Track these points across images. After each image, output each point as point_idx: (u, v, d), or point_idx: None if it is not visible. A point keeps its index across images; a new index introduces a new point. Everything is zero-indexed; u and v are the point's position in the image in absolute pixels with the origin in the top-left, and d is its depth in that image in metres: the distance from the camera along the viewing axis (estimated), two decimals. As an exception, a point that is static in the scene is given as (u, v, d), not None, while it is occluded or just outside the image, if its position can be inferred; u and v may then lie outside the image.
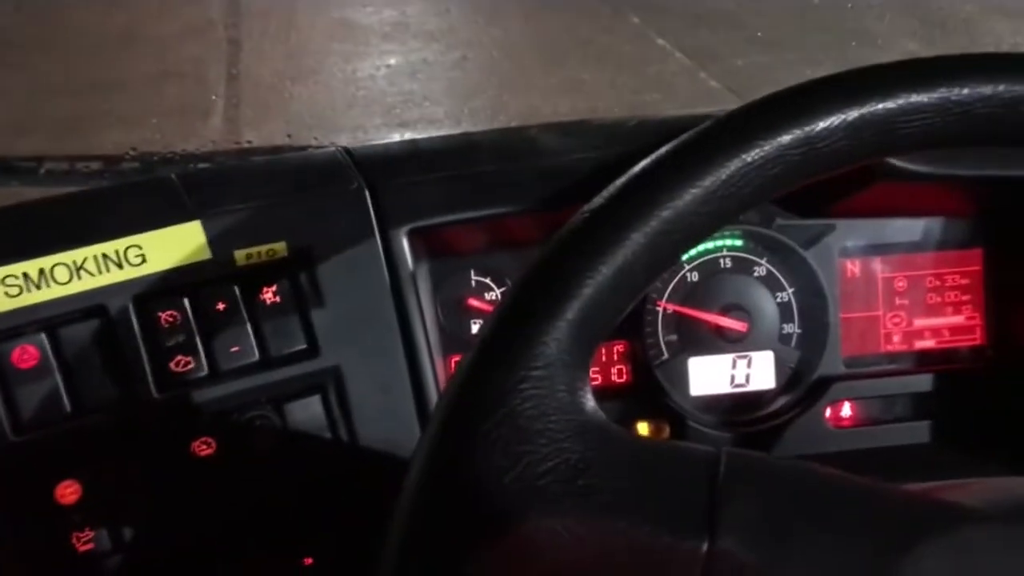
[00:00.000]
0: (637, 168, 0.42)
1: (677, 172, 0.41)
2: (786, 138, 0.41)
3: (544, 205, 0.63)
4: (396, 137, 3.17)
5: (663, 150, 0.42)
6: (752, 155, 0.41)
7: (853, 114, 0.41)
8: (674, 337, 0.70)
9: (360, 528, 0.59)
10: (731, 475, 0.36)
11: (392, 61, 3.78)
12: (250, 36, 4.03)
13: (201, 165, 0.85)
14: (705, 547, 0.34)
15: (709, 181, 0.41)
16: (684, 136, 0.43)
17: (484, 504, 0.35)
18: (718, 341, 0.70)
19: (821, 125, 0.41)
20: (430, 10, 4.43)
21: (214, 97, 3.56)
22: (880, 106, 0.41)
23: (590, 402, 0.38)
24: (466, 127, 3.19)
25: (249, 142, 0.85)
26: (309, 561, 0.59)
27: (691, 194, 0.41)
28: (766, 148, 0.41)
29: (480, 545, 0.35)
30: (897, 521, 0.35)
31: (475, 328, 0.71)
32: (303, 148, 0.85)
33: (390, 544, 0.36)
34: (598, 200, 0.41)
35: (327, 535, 0.59)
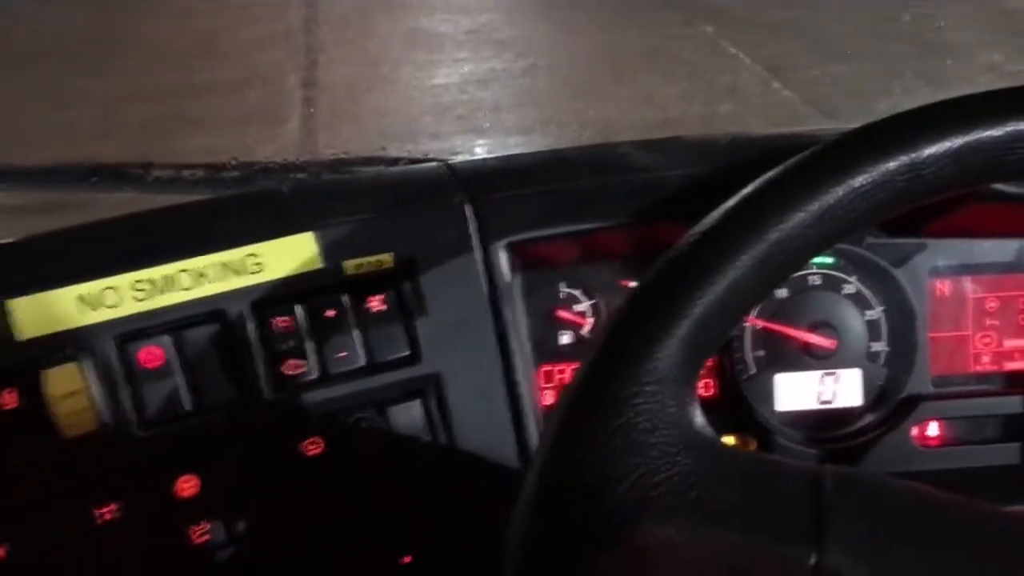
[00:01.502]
0: (746, 191, 0.43)
1: (786, 196, 0.42)
2: (892, 164, 0.42)
3: (637, 220, 0.65)
4: (469, 144, 3.22)
5: (772, 173, 0.44)
6: (859, 181, 0.42)
7: (959, 141, 0.42)
8: (762, 353, 0.71)
9: (456, 528, 0.62)
10: (837, 490, 0.37)
11: (465, 69, 3.83)
12: (327, 44, 4.13)
13: (299, 175, 0.88)
14: (813, 560, 0.36)
15: (816, 206, 0.42)
16: (793, 160, 0.44)
17: (599, 513, 0.37)
18: (806, 358, 0.71)
19: (927, 152, 0.42)
20: (502, 19, 4.48)
21: (291, 104, 3.65)
22: (987, 133, 0.42)
23: (698, 417, 0.40)
24: (537, 136, 3.22)
25: (346, 153, 0.88)
26: (407, 559, 0.61)
27: (799, 218, 0.42)
28: (873, 174, 0.42)
29: (595, 553, 0.37)
30: (1006, 544, 0.35)
31: (563, 339, 0.74)
32: (396, 160, 0.88)
33: (509, 551, 0.38)
34: (708, 221, 0.42)
35: (425, 534, 0.61)
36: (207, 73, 3.98)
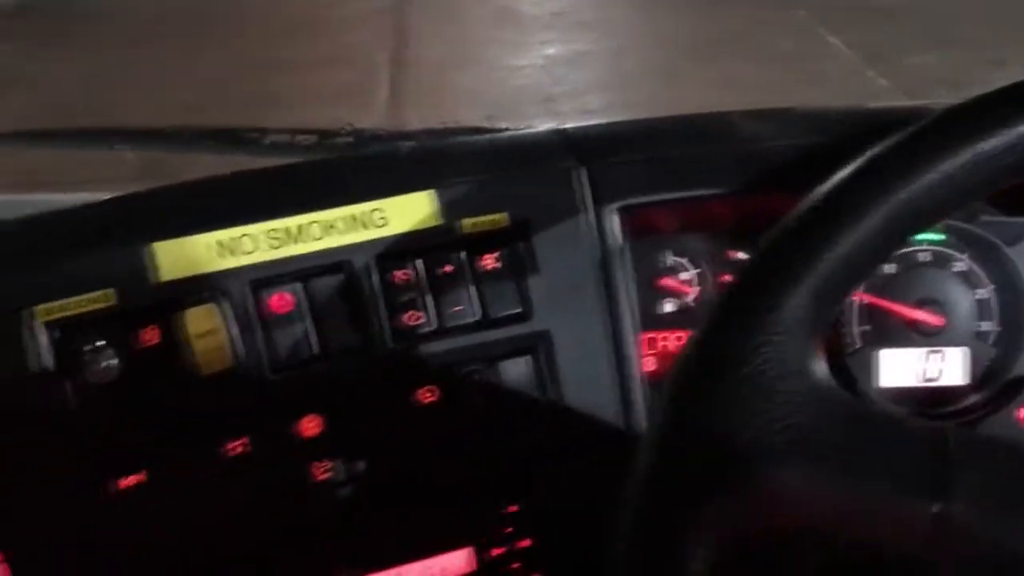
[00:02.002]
0: (875, 151, 0.44)
1: (914, 157, 0.43)
2: (1021, 128, 0.42)
3: (746, 189, 0.66)
4: (551, 125, 3.22)
5: (899, 136, 0.44)
6: (987, 144, 0.43)
7: None
8: (867, 328, 0.71)
9: (560, 481, 0.64)
10: (961, 446, 0.38)
11: (550, 51, 3.83)
12: (416, 24, 4.18)
13: (409, 142, 0.91)
14: (936, 508, 0.36)
15: (944, 167, 0.43)
16: (919, 123, 0.45)
17: (723, 457, 0.39)
18: (912, 334, 0.70)
19: None
20: (589, 1, 4.46)
21: (379, 82, 3.71)
22: None
23: (824, 369, 0.41)
24: (622, 118, 3.20)
25: (455, 122, 0.91)
26: (514, 508, 0.63)
27: (927, 179, 0.43)
28: (1002, 137, 0.43)
29: (719, 494, 0.38)
30: None
31: (666, 307, 0.75)
32: (501, 130, 0.90)
33: (633, 490, 0.40)
34: (838, 178, 0.43)
35: (530, 485, 0.64)
36: (300, 51, 4.07)
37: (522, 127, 0.88)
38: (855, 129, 0.67)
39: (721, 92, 3.32)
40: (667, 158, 0.66)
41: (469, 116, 3.25)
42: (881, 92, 3.21)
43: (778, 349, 0.40)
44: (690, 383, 0.40)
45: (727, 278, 0.74)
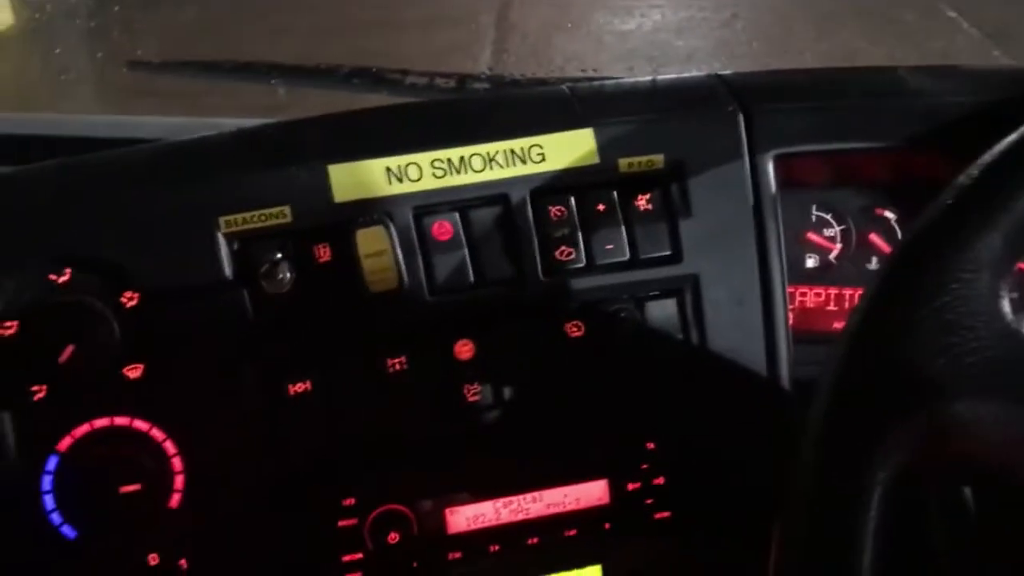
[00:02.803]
0: None
1: None
2: None
3: (908, 145, 0.65)
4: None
5: None
6: None
7: None
8: (1016, 295, 0.69)
9: (699, 422, 0.65)
10: None
11: (659, 16, 3.77)
12: (523, -16, 4.15)
13: (546, 88, 0.92)
14: None
15: None
16: None
17: (911, 386, 0.39)
18: None
19: None
20: (701, -35, 4.36)
21: (483, 44, 3.71)
22: None
23: (1010, 310, 0.41)
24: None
25: (595, 70, 0.91)
26: (651, 445, 0.65)
27: None
28: None
29: (905, 421, 0.39)
30: None
31: (809, 262, 0.75)
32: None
33: (816, 416, 0.41)
34: None
35: (670, 423, 0.65)
36: (404, 11, 4.10)
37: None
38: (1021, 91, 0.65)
39: (837, 63, 3.21)
40: (828, 108, 0.65)
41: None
42: (1007, 71, 3.06)
43: (969, 287, 0.40)
44: (880, 313, 0.41)
45: (873, 236, 0.74)
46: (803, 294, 0.74)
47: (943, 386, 0.39)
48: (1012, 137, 0.43)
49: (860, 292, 0.74)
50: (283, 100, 1.00)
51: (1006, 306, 0.41)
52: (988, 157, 0.43)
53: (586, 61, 3.51)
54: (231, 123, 0.74)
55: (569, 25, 3.82)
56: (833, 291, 0.75)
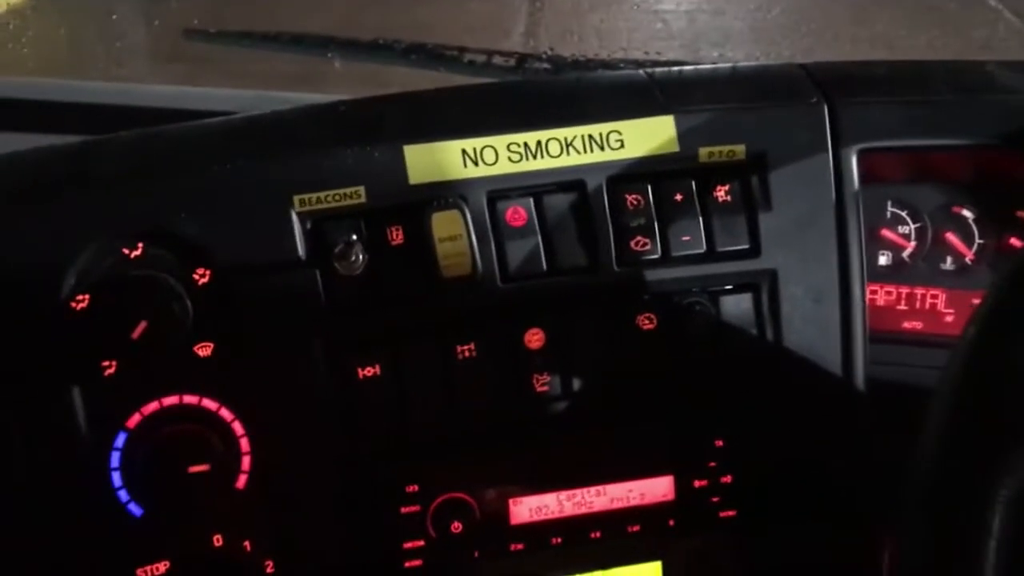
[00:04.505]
0: None
1: None
2: None
3: (1000, 142, 0.63)
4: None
5: None
6: None
7: None
8: None
9: (772, 421, 0.63)
10: None
11: (695, -3, 3.71)
12: (557, -40, 4.10)
13: (605, 71, 0.90)
14: None
15: None
16: None
17: None
18: None
19: None
20: (742, -54, 4.29)
21: (515, 18, 3.67)
22: None
23: None
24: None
25: (658, 53, 0.89)
26: (720, 443, 0.63)
27: None
28: None
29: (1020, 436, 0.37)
30: None
31: (882, 259, 0.73)
32: (693, 64, 0.87)
33: (931, 427, 0.40)
34: None
35: (741, 422, 0.63)
36: (439, -17, 4.04)
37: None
38: None
39: (876, 53, 3.17)
40: (916, 103, 0.63)
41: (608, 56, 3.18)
42: (1051, 64, 3.01)
43: None
44: (1004, 322, 0.39)
45: (949, 235, 0.72)
46: (874, 292, 0.73)
47: None
48: None
49: (932, 292, 0.73)
50: (337, 74, 0.99)
51: None
52: None
53: (621, 41, 3.47)
54: (301, 98, 0.72)
55: (603, 3, 3.77)
56: (905, 290, 0.73)
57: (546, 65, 0.95)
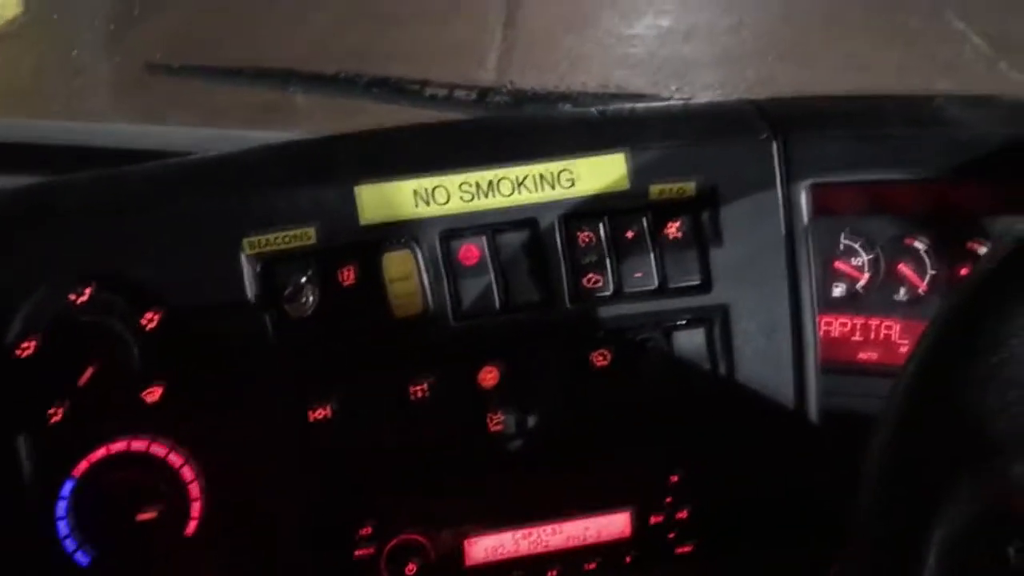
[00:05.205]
0: None
1: None
2: None
3: (944, 176, 0.64)
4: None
5: None
6: None
7: None
8: None
9: (727, 455, 0.64)
10: None
11: (666, 22, 3.75)
12: (531, -14, 4.14)
13: (567, 104, 0.90)
14: None
15: None
16: None
17: (972, 438, 0.38)
18: None
19: None
20: (711, -29, 4.35)
21: (490, 42, 3.70)
22: None
23: None
24: (736, 93, 3.13)
25: (618, 87, 0.90)
26: (675, 478, 0.63)
27: None
28: None
29: (965, 475, 0.38)
30: None
31: (836, 291, 0.73)
32: (654, 97, 0.88)
33: (872, 460, 0.40)
34: None
35: (696, 456, 0.63)
36: (413, 6, 4.07)
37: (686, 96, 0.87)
38: None
39: (844, 74, 3.21)
40: (865, 137, 0.64)
41: (580, 82, 3.21)
42: (1014, 86, 3.06)
43: None
44: (938, 365, 0.39)
45: (903, 266, 0.72)
46: (829, 323, 0.73)
47: (1003, 446, 0.38)
48: None
49: (887, 323, 0.73)
50: (301, 106, 0.99)
51: None
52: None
53: (593, 65, 3.50)
54: (258, 136, 0.72)
55: (576, 28, 3.81)
56: (860, 320, 0.73)
57: (507, 98, 0.96)
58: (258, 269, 0.58)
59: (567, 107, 0.90)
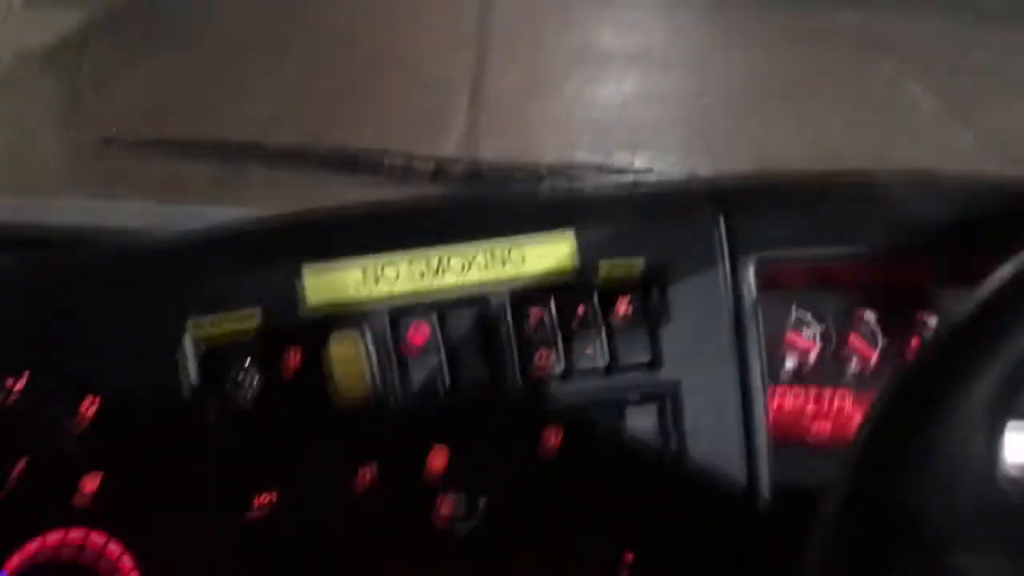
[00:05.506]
0: None
1: None
2: None
3: (886, 253, 0.65)
4: (626, 161, 3.22)
5: None
6: None
7: None
8: None
9: (681, 530, 0.63)
10: None
11: (629, 87, 3.83)
12: (496, 53, 4.21)
13: (522, 177, 0.91)
14: None
15: None
16: None
17: (911, 529, 0.38)
18: None
19: None
20: (675, 38, 4.45)
21: (456, 110, 3.74)
22: None
23: (1005, 459, 0.40)
24: (698, 158, 3.19)
25: (571, 160, 0.91)
26: (630, 558, 0.63)
27: None
28: None
29: (905, 566, 0.37)
30: None
31: (788, 363, 0.74)
32: (608, 168, 0.89)
33: (813, 552, 0.39)
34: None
35: (650, 533, 0.63)
36: (380, 74, 4.12)
37: (642, 168, 0.88)
38: (1001, 202, 0.66)
39: (804, 136, 3.29)
40: (809, 214, 0.65)
41: (546, 147, 3.26)
42: (968, 148, 3.15)
43: (964, 434, 0.39)
44: (877, 455, 0.40)
45: (853, 338, 0.73)
46: (782, 395, 0.73)
47: (941, 537, 0.37)
48: (996, 277, 0.43)
49: (840, 393, 0.73)
50: (258, 180, 0.99)
51: (1002, 456, 0.40)
52: (982, 294, 0.42)
53: (559, 131, 3.54)
54: (213, 212, 0.72)
55: (542, 94, 3.87)
56: (813, 392, 0.74)
57: (464, 170, 0.97)
58: (200, 355, 0.57)
59: (523, 179, 0.91)
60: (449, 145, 3.45)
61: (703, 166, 3.11)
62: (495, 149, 3.43)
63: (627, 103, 3.73)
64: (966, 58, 3.99)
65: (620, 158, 3.23)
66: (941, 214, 0.65)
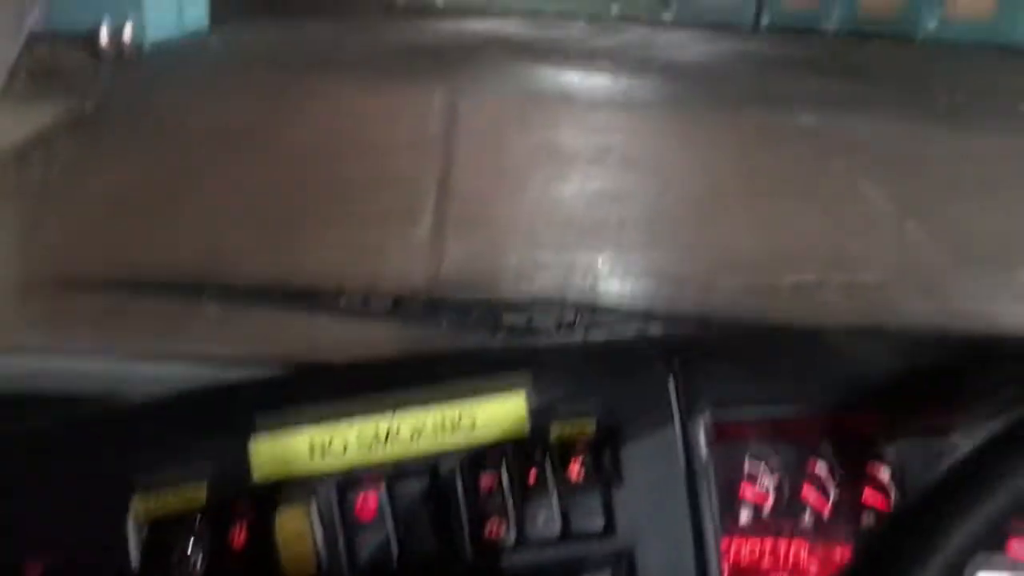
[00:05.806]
0: (998, 431, 0.44)
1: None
2: None
3: (836, 409, 0.66)
4: (590, 259, 3.26)
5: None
6: None
7: None
8: None
9: None
10: None
11: (594, 186, 3.91)
12: (463, 153, 4.30)
13: (480, 314, 0.92)
14: None
15: None
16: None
17: None
18: None
19: None
20: (637, 138, 4.58)
21: (423, 208, 3.79)
22: None
23: None
24: (660, 254, 3.25)
25: (490, 289, 0.92)
26: None
27: None
28: None
29: None
30: None
31: (742, 514, 0.73)
32: (579, 306, 0.90)
33: None
34: (967, 458, 0.43)
35: None
36: (348, 172, 4.18)
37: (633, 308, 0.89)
38: (948, 357, 0.67)
39: (761, 233, 3.37)
40: (762, 373, 0.66)
41: (510, 244, 3.30)
42: (920, 243, 3.24)
43: None
44: None
45: (807, 489, 0.73)
46: (737, 547, 0.73)
47: None
48: (943, 473, 0.43)
49: (795, 543, 0.73)
50: (214, 319, 0.99)
51: None
52: (921, 495, 0.43)
53: (522, 228, 3.59)
54: (164, 372, 0.71)
55: (508, 193, 3.93)
56: (768, 543, 0.73)
57: (422, 309, 0.97)
58: (144, 532, 0.56)
59: (480, 317, 0.91)
60: (419, 239, 3.47)
61: (667, 264, 3.17)
62: (463, 245, 3.47)
63: (590, 202, 3.80)
64: (919, 158, 4.14)
65: (582, 258, 3.28)
66: (888, 368, 0.66)
